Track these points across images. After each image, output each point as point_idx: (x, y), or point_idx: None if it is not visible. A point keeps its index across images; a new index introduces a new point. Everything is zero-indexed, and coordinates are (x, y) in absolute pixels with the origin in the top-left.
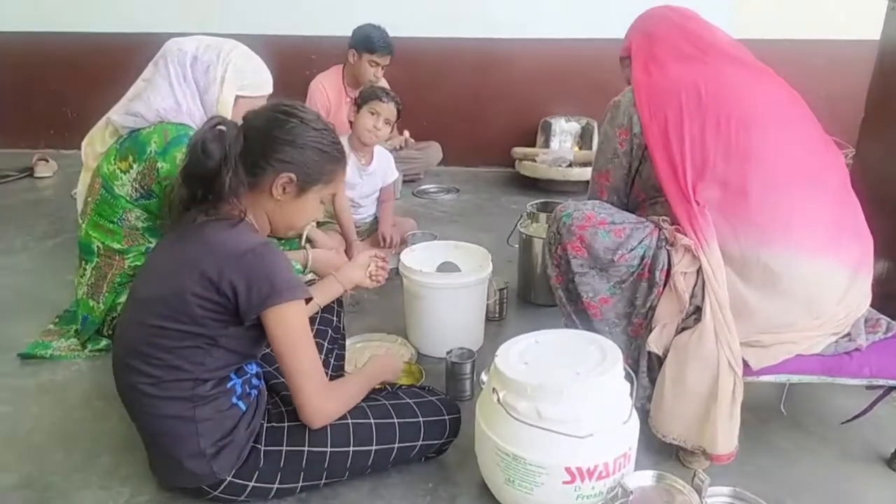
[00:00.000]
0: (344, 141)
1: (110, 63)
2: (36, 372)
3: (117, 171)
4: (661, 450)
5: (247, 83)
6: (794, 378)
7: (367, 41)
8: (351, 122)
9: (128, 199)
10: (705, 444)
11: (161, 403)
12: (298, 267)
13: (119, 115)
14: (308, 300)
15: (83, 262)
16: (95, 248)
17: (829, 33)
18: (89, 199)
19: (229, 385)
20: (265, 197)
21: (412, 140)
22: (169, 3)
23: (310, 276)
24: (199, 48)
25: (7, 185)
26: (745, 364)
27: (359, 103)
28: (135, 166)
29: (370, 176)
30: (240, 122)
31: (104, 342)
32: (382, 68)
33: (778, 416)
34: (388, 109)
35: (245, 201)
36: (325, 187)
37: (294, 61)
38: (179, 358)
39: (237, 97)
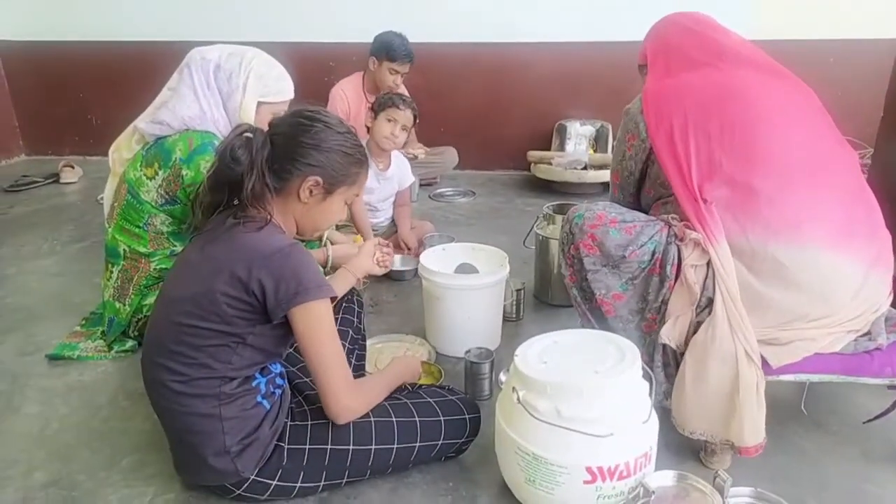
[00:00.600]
0: None
1: (134, 71)
2: (64, 373)
3: (143, 177)
4: (681, 450)
5: (269, 90)
6: (815, 377)
7: (388, 49)
8: (368, 128)
9: (153, 204)
10: (732, 437)
11: (189, 401)
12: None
13: (145, 124)
14: (333, 299)
15: (110, 265)
16: (122, 252)
17: (847, 33)
18: (116, 203)
19: (254, 384)
20: (292, 200)
21: (424, 153)
22: (191, 12)
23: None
24: (221, 56)
25: (34, 191)
26: (765, 363)
27: (375, 110)
28: (160, 173)
29: (387, 181)
30: (265, 128)
31: (130, 343)
32: (402, 76)
33: (799, 415)
34: (405, 116)
35: (272, 205)
36: (349, 189)
37: (313, 68)
38: (208, 356)
39: (259, 103)
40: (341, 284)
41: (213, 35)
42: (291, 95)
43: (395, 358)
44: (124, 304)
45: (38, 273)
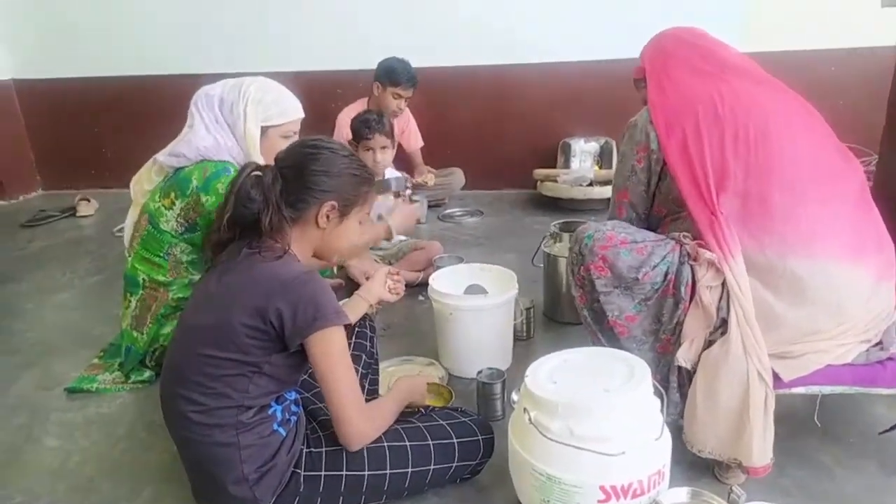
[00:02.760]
0: None
1: (146, 104)
2: (83, 406)
3: (162, 207)
4: (695, 466)
5: (270, 113)
6: (827, 389)
7: (391, 74)
8: None
9: (173, 233)
10: (741, 457)
11: (207, 430)
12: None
13: (164, 156)
14: (348, 326)
15: (128, 295)
16: (141, 281)
17: (844, 42)
18: (136, 234)
19: (270, 412)
20: (310, 228)
21: (433, 179)
22: (201, 46)
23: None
24: (224, 90)
25: (51, 225)
26: (776, 376)
27: (354, 138)
28: (178, 202)
29: (384, 197)
30: (275, 152)
31: (147, 374)
32: (406, 100)
33: (813, 428)
34: (378, 139)
35: (289, 235)
36: (362, 208)
37: (320, 95)
38: (225, 385)
39: (264, 128)
40: (355, 311)
41: (224, 67)
42: (298, 115)
43: (398, 379)
44: (142, 334)
45: (57, 307)
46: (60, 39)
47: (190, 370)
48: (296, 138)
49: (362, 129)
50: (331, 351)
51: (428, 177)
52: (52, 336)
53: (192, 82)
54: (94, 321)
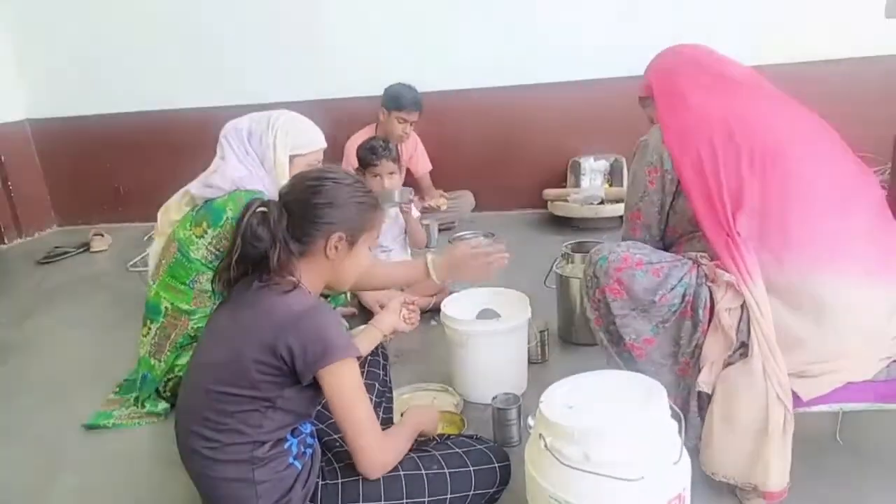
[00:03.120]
0: None
1: (157, 140)
2: (100, 442)
3: (193, 236)
4: (715, 488)
5: (297, 143)
6: (848, 406)
7: (396, 99)
8: None
9: (203, 261)
10: (756, 481)
11: (222, 467)
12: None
13: (197, 188)
14: (358, 358)
15: (148, 322)
16: (163, 309)
17: (851, 51)
18: (163, 261)
19: (286, 446)
20: (319, 259)
21: (445, 203)
22: (209, 81)
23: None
24: (251, 123)
25: (66, 261)
26: (795, 395)
27: (361, 165)
28: (209, 231)
29: (393, 220)
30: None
31: (161, 406)
32: (411, 124)
33: (835, 445)
34: (385, 165)
35: (298, 269)
36: (370, 234)
37: (328, 123)
38: (239, 422)
39: (291, 157)
40: (367, 341)
41: (236, 100)
42: (322, 145)
43: (409, 409)
44: (160, 361)
45: (73, 343)
46: (72, 78)
47: (202, 407)
48: (319, 166)
49: (369, 156)
50: (343, 384)
51: (440, 201)
52: (69, 372)
53: (203, 117)
54: (109, 356)
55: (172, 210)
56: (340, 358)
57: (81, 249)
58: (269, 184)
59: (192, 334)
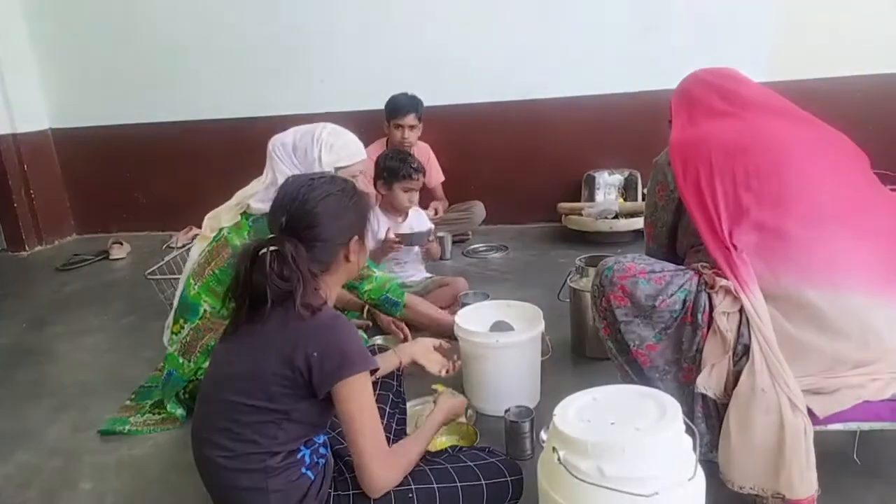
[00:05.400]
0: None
1: (177, 150)
2: (115, 448)
3: (238, 240)
4: (729, 503)
5: (340, 156)
6: (865, 425)
7: (390, 106)
8: (381, 194)
9: None
10: (783, 490)
11: (236, 476)
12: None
13: (257, 203)
14: (374, 371)
15: (182, 320)
16: (202, 311)
17: (869, 68)
18: (213, 264)
19: (299, 456)
20: (341, 267)
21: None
22: (230, 92)
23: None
24: (296, 137)
25: (85, 268)
26: (811, 412)
27: (385, 177)
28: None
29: (408, 249)
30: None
31: (180, 411)
32: (411, 128)
33: (852, 465)
34: (419, 182)
35: (323, 281)
36: (370, 223)
37: None
38: (255, 432)
39: (336, 169)
40: (384, 365)
41: (256, 111)
42: (363, 156)
43: (440, 395)
44: (189, 361)
45: (90, 349)
46: (94, 89)
47: (219, 417)
48: (361, 178)
49: (406, 170)
50: (355, 398)
51: (438, 207)
52: (86, 378)
53: (223, 127)
54: (126, 363)
55: (223, 217)
56: (356, 372)
57: (100, 257)
58: None
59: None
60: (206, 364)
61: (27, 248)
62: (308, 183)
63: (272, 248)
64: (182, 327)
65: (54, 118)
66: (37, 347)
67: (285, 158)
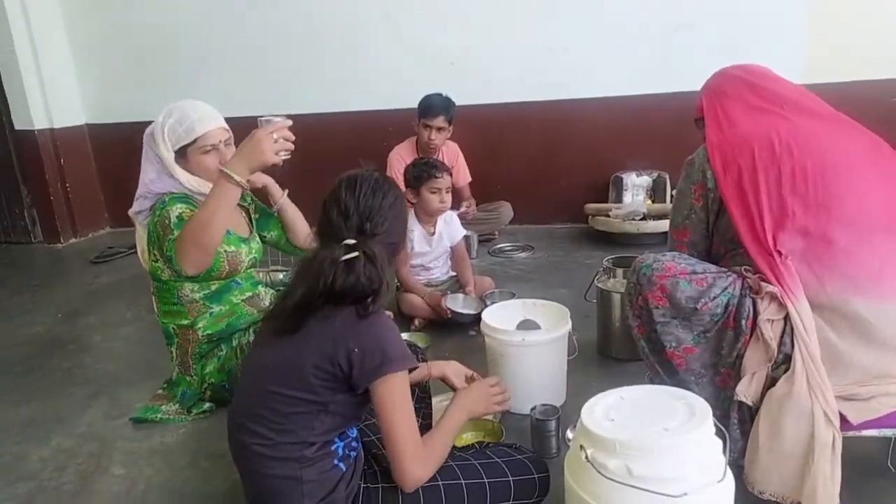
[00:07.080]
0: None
1: None
2: (147, 435)
3: (154, 264)
4: None
5: (177, 135)
6: None
7: (422, 105)
8: (412, 203)
9: (173, 280)
10: (804, 500)
11: (271, 463)
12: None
13: (132, 211)
14: (412, 369)
15: (169, 347)
16: (172, 331)
17: None
18: (153, 295)
19: (333, 448)
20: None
21: (473, 210)
22: (255, 90)
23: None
24: (154, 122)
25: (118, 261)
26: (844, 418)
27: (413, 185)
28: (158, 254)
29: (438, 240)
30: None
31: (207, 405)
32: (439, 130)
33: (886, 472)
34: (445, 180)
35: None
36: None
37: (371, 134)
38: (292, 422)
39: (182, 149)
40: (415, 376)
41: (280, 109)
42: (205, 129)
43: (459, 392)
44: (192, 376)
45: (123, 340)
46: (129, 85)
47: (257, 405)
48: (224, 148)
49: (429, 169)
50: (393, 395)
51: (467, 207)
52: (119, 368)
53: (250, 124)
54: (157, 353)
55: (143, 242)
56: (397, 369)
57: (132, 250)
58: (173, 183)
59: (206, 341)
60: (207, 369)
61: (62, 240)
62: (372, 184)
63: (350, 255)
64: (172, 353)
65: (90, 113)
66: (71, 337)
67: (146, 147)
